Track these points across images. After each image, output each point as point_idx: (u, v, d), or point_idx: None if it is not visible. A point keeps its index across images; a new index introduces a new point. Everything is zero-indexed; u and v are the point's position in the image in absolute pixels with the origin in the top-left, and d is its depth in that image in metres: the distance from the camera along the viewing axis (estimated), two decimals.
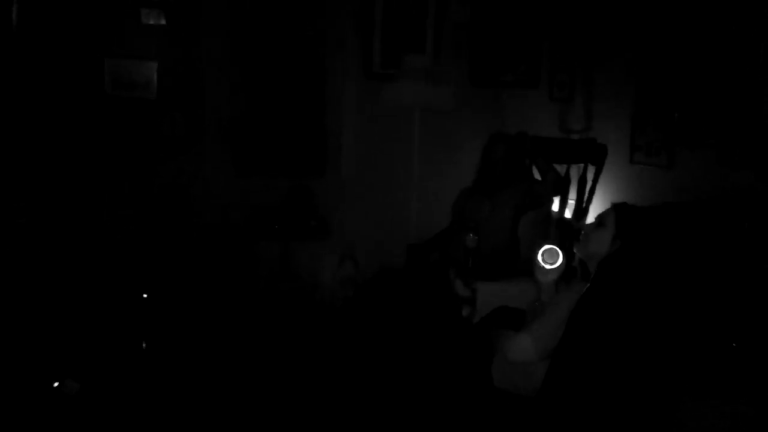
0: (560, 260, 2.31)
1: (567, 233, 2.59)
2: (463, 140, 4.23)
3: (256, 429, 2.82)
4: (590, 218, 3.46)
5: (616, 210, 2.14)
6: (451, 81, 4.24)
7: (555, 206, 3.82)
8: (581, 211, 3.63)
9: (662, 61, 3.59)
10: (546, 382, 1.92)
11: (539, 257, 2.33)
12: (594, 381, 1.86)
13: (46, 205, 3.79)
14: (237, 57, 4.35)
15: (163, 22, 4.16)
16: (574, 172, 3.82)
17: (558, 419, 1.86)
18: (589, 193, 3.70)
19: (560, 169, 3.78)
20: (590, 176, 3.72)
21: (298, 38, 4.36)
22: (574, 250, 2.21)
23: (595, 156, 3.74)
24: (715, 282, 2.10)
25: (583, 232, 2.21)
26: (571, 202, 3.79)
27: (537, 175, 3.67)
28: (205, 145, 4.36)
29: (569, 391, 1.86)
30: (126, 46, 4.17)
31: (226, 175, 4.40)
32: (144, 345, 3.56)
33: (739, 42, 3.17)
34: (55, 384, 2.80)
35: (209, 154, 4.37)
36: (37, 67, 3.97)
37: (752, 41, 3.09)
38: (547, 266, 2.31)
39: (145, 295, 3.77)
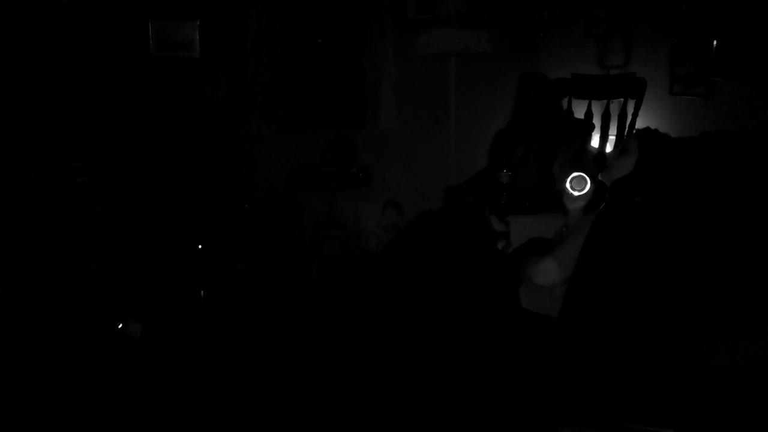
0: (588, 187, 2.35)
1: (598, 163, 2.62)
2: (499, 82, 4.23)
3: (309, 366, 2.98)
4: None
5: (639, 135, 2.15)
6: (486, 23, 4.22)
7: (595, 141, 3.82)
8: None
9: None
10: (565, 302, 1.99)
11: (567, 184, 2.37)
12: (605, 300, 1.91)
13: (105, 165, 4.00)
14: (275, 11, 4.43)
15: None
16: (615, 107, 3.80)
17: (575, 338, 1.93)
18: (629, 127, 3.68)
19: (600, 104, 3.77)
20: (630, 110, 3.71)
21: None
22: (599, 177, 2.24)
23: (634, 90, 3.71)
24: (740, 208, 2.10)
25: (608, 159, 2.24)
26: (612, 137, 3.79)
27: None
28: (248, 101, 4.49)
29: (583, 310, 1.93)
30: (168, 7, 4.30)
31: (270, 129, 4.53)
32: (202, 293, 3.77)
33: None
34: (120, 325, 3.01)
35: (253, 110, 4.49)
36: (88, 34, 4.15)
37: None
38: (575, 193, 2.36)
39: (200, 246, 3.96)
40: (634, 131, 2.22)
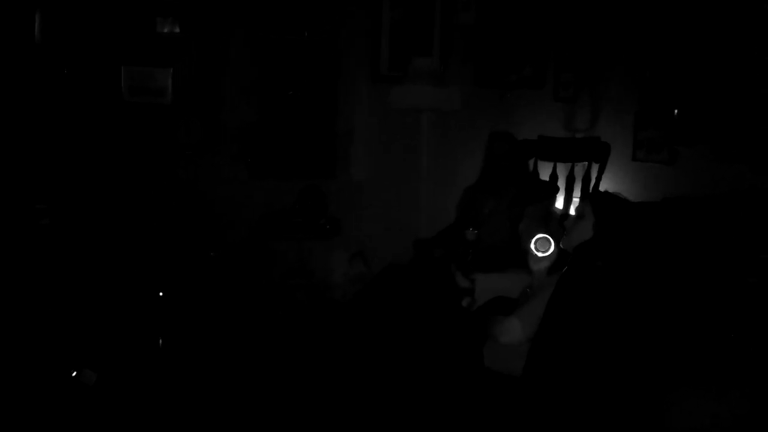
0: (552, 248, 2.39)
1: (562, 224, 2.67)
2: (469, 140, 4.31)
3: (268, 420, 2.92)
4: None
5: (591, 200, 2.20)
6: (457, 82, 4.33)
7: (559, 203, 3.89)
8: None
9: (664, 61, 3.65)
10: (527, 362, 2.00)
11: (532, 245, 2.41)
12: (568, 360, 1.93)
13: (68, 208, 3.94)
14: (250, 63, 4.48)
15: (178, 30, 4.30)
16: (579, 170, 3.89)
17: (538, 396, 1.93)
18: (592, 190, 3.77)
19: (565, 166, 3.86)
20: (594, 174, 3.80)
21: (309, 43, 4.48)
22: (560, 245, 2.28)
23: (598, 154, 3.81)
24: (700, 271, 2.15)
25: (565, 226, 2.28)
26: (576, 199, 3.87)
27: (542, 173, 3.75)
28: (220, 148, 4.49)
29: (546, 370, 1.94)
30: (142, 54, 4.32)
31: (241, 177, 4.52)
32: (160, 341, 3.68)
33: (738, 42, 3.22)
34: (74, 373, 2.92)
35: (224, 158, 4.49)
36: (59, 78, 4.14)
37: (751, 42, 3.15)
38: (540, 254, 2.39)
39: (161, 294, 3.89)
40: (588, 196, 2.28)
